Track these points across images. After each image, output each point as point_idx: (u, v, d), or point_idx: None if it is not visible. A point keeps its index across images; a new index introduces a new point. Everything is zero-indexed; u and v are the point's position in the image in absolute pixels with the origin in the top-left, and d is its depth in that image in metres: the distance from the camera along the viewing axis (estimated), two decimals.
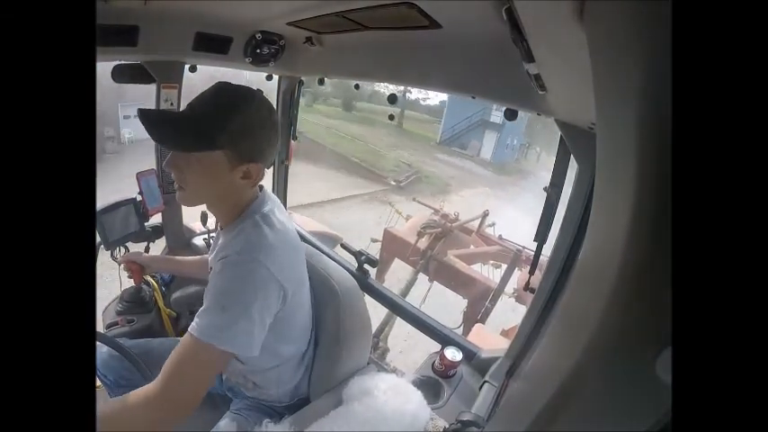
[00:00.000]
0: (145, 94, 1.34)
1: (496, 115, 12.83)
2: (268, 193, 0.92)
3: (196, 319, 0.71)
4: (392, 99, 1.49)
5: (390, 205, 4.77)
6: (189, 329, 0.70)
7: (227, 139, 0.72)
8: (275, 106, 1.70)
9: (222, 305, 0.71)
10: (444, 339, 1.37)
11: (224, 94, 0.74)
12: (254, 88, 0.79)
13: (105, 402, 0.71)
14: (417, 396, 1.02)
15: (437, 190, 9.63)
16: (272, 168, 1.85)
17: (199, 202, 0.82)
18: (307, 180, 7.63)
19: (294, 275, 0.83)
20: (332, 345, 1.03)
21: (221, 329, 0.69)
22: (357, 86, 1.46)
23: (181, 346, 0.70)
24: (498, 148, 13.36)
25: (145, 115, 0.72)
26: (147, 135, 0.73)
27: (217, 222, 1.46)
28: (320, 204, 7.36)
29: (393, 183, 9.74)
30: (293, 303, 0.85)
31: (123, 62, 1.20)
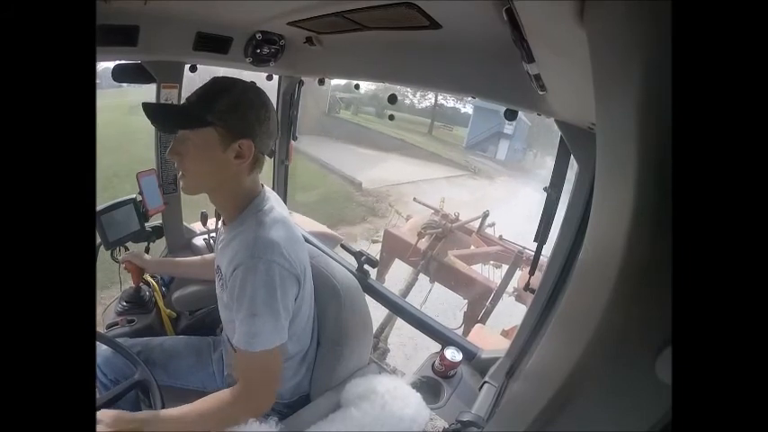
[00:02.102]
0: None
1: (508, 128, 17.36)
2: (267, 191, 0.94)
3: (236, 330, 0.81)
4: (392, 99, 1.50)
5: (390, 205, 4.76)
6: (234, 342, 0.83)
7: (215, 116, 0.78)
8: (275, 106, 1.71)
9: (252, 312, 0.78)
10: (444, 340, 1.37)
11: (213, 82, 0.82)
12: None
13: (180, 409, 0.81)
14: (416, 399, 1.02)
15: (487, 176, 14.14)
16: (268, 170, 1.85)
17: (200, 189, 0.86)
18: (422, 167, 12.30)
19: (304, 268, 0.88)
20: (334, 343, 1.04)
21: (256, 335, 0.79)
22: (357, 86, 1.46)
23: (236, 359, 0.85)
24: (508, 152, 18.22)
25: (147, 107, 0.79)
26: None
27: (216, 222, 1.47)
28: (438, 179, 11.54)
29: (471, 170, 14.07)
30: (300, 297, 0.89)
31: (123, 62, 1.20)
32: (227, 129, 0.79)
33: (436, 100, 19.46)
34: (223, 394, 0.82)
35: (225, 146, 0.79)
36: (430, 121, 19.78)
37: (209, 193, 0.88)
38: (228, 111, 0.78)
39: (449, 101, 19.06)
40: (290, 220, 0.91)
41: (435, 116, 20.44)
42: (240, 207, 0.87)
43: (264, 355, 0.80)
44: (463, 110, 19.67)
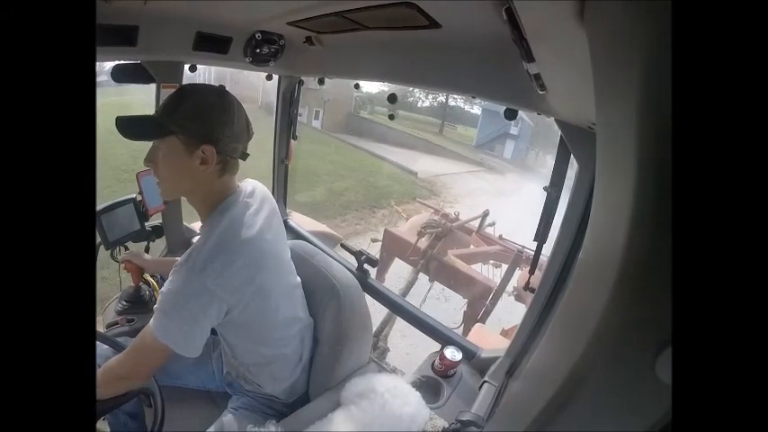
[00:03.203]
0: None
1: (514, 129, 19.41)
2: (248, 191, 0.93)
3: (154, 316, 0.81)
4: (392, 99, 1.49)
5: (391, 205, 4.78)
6: (150, 323, 0.81)
7: (176, 123, 0.80)
8: (275, 106, 1.71)
9: (164, 310, 0.80)
10: (444, 339, 1.37)
11: (177, 91, 0.84)
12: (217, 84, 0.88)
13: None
14: (416, 398, 1.02)
15: (499, 172, 16.15)
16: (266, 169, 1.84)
17: (173, 194, 0.91)
18: (447, 163, 14.45)
19: (245, 287, 0.84)
20: (333, 343, 1.04)
21: (166, 328, 0.80)
22: (357, 86, 1.46)
23: (142, 332, 0.83)
24: (514, 152, 20.15)
25: (119, 120, 0.82)
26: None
27: None
28: (463, 173, 13.77)
29: (486, 167, 16.22)
30: (252, 311, 0.87)
31: (123, 62, 1.19)
32: (189, 136, 0.80)
33: (447, 101, 21.41)
34: (117, 358, 0.86)
35: (189, 153, 0.81)
36: (437, 120, 21.83)
37: (185, 196, 0.90)
38: (188, 118, 0.80)
39: (457, 101, 20.98)
40: (253, 232, 0.87)
41: (437, 114, 22.09)
42: (209, 209, 0.88)
43: (163, 347, 0.79)
44: (464, 108, 21.68)
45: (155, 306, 0.82)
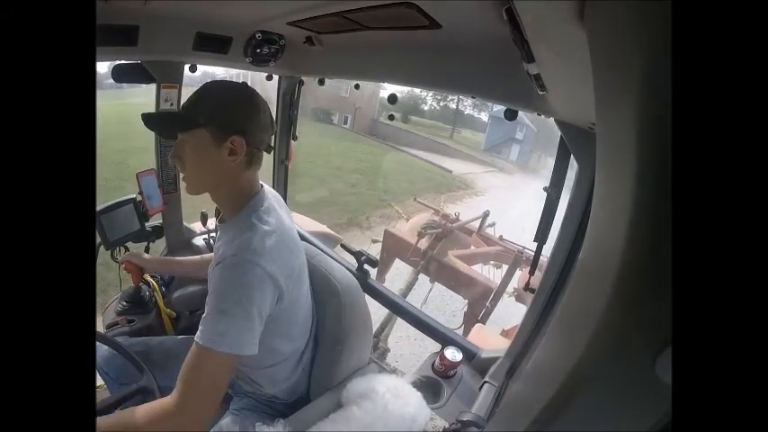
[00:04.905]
0: None
1: (519, 134, 21.59)
2: (269, 190, 0.95)
3: (200, 327, 0.74)
4: (392, 99, 1.49)
5: (391, 205, 4.79)
6: (195, 338, 0.74)
7: (204, 116, 0.80)
8: (276, 106, 1.71)
9: (221, 309, 0.74)
10: (444, 339, 1.37)
11: (202, 86, 0.85)
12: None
13: (118, 413, 0.76)
14: (416, 398, 1.02)
15: (508, 172, 18.14)
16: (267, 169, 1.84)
17: (201, 189, 0.88)
18: (465, 164, 16.29)
19: (291, 274, 0.85)
20: (333, 344, 1.04)
21: (223, 333, 0.73)
22: (357, 86, 1.46)
23: (190, 356, 0.74)
24: (519, 154, 22.56)
25: (145, 117, 0.85)
26: None
27: (216, 220, 1.47)
28: (481, 173, 15.54)
29: (496, 168, 17.97)
30: (290, 301, 0.87)
31: (123, 62, 1.20)
32: (218, 127, 0.81)
33: (458, 107, 23.90)
34: (165, 404, 0.74)
35: (218, 144, 0.81)
36: (444, 124, 24.03)
37: (210, 192, 0.89)
38: (217, 110, 0.81)
39: (466, 108, 23.68)
40: (288, 224, 0.90)
41: (445, 119, 24.26)
42: (238, 206, 0.87)
43: (224, 358, 0.73)
44: (467, 113, 24.25)
45: (207, 314, 0.74)
